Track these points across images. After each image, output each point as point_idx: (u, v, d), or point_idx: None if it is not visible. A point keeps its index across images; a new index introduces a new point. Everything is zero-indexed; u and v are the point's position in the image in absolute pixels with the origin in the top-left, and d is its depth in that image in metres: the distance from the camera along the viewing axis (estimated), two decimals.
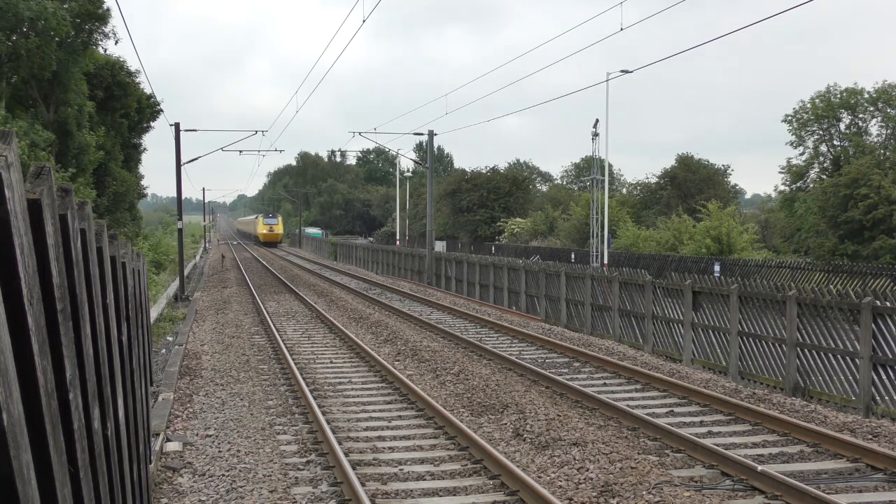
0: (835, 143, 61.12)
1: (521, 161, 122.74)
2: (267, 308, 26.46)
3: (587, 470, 9.19)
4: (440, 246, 65.06)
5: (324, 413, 11.73)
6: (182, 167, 34.25)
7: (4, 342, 1.86)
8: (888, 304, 12.85)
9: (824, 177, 58.82)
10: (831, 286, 22.25)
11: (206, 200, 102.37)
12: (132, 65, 47.80)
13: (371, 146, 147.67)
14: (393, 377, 14.46)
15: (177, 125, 34.61)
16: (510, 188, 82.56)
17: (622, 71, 34.50)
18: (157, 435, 10.30)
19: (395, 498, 8.43)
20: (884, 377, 12.55)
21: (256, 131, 39.43)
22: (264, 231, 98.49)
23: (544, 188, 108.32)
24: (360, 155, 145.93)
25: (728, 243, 45.00)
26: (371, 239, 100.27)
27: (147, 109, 45.76)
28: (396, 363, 16.36)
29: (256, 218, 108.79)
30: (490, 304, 28.99)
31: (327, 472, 9.27)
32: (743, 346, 15.68)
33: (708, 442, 10.04)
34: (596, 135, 43.08)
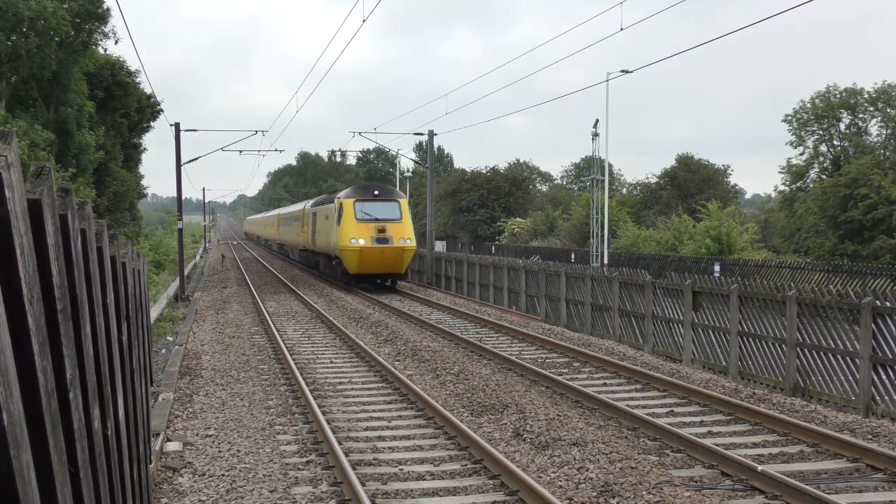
0: (835, 143, 61.13)
1: (521, 161, 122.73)
2: (267, 308, 26.46)
3: (587, 470, 9.19)
4: (440, 246, 65.04)
5: (324, 413, 11.74)
6: (182, 167, 34.26)
7: (4, 342, 1.86)
8: (888, 304, 12.85)
9: (824, 177, 58.83)
10: (831, 286, 22.25)
11: (206, 200, 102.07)
12: (132, 65, 47.85)
13: (371, 146, 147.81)
14: (393, 377, 14.46)
15: (177, 125, 34.62)
16: (510, 188, 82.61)
17: (622, 71, 34.53)
18: (158, 435, 10.31)
19: (395, 498, 8.43)
20: (884, 377, 12.55)
21: (256, 131, 39.45)
22: (366, 242, 32.44)
23: (544, 188, 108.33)
24: (360, 155, 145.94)
25: (728, 243, 45.01)
26: None
27: (147, 109, 45.82)
28: (396, 363, 16.36)
29: (334, 204, 35.27)
30: (490, 304, 28.98)
31: (327, 472, 9.27)
32: (743, 346, 15.68)
33: (708, 442, 10.04)
34: (596, 135, 43.10)
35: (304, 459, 9.79)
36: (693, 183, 65.96)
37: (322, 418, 11.11)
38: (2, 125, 22.54)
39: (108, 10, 32.02)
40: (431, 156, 41.75)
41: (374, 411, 12.24)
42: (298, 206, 52.15)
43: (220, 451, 10.17)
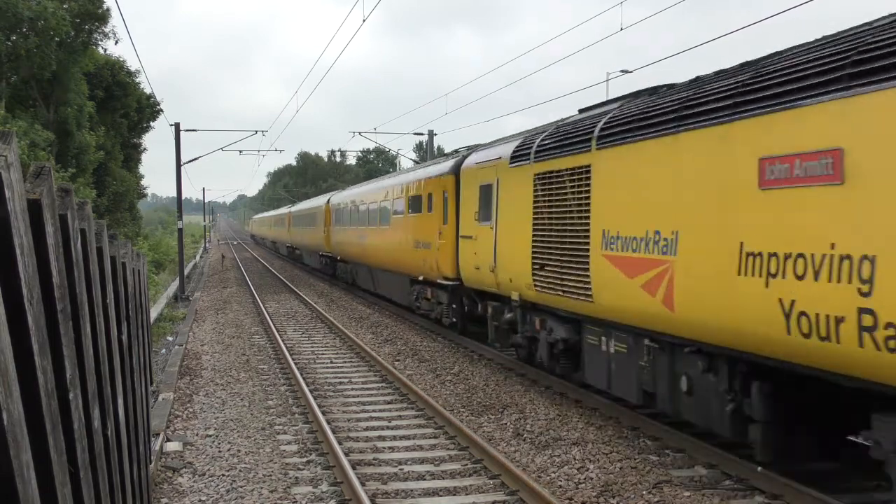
0: None
1: None
2: (267, 308, 26.45)
3: (587, 470, 9.19)
4: None
5: (324, 413, 11.73)
6: (182, 167, 34.25)
7: (4, 342, 1.86)
8: None
9: None
10: None
11: (206, 200, 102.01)
12: (132, 65, 47.86)
13: (371, 146, 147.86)
14: (393, 377, 14.46)
15: (177, 125, 34.60)
16: None
17: (622, 71, 34.45)
18: (158, 435, 10.30)
19: (395, 498, 8.43)
20: None
21: (256, 131, 39.43)
22: None
23: None
24: (360, 155, 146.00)
25: None
26: None
27: (147, 109, 45.79)
28: (396, 363, 16.36)
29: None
30: None
31: (327, 471, 9.27)
32: None
33: (708, 442, 10.02)
34: None
35: (305, 459, 9.79)
36: None
37: (322, 418, 11.11)
38: (2, 125, 22.54)
39: (107, 10, 32.02)
40: (431, 156, 41.76)
41: (374, 411, 12.24)
42: (428, 170, 21.15)
43: (220, 451, 10.17)
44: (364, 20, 23.25)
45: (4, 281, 2.02)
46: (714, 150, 8.15)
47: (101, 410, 3.70)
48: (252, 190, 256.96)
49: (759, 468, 8.66)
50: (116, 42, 45.46)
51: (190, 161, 36.39)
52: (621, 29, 18.94)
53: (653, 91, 10.79)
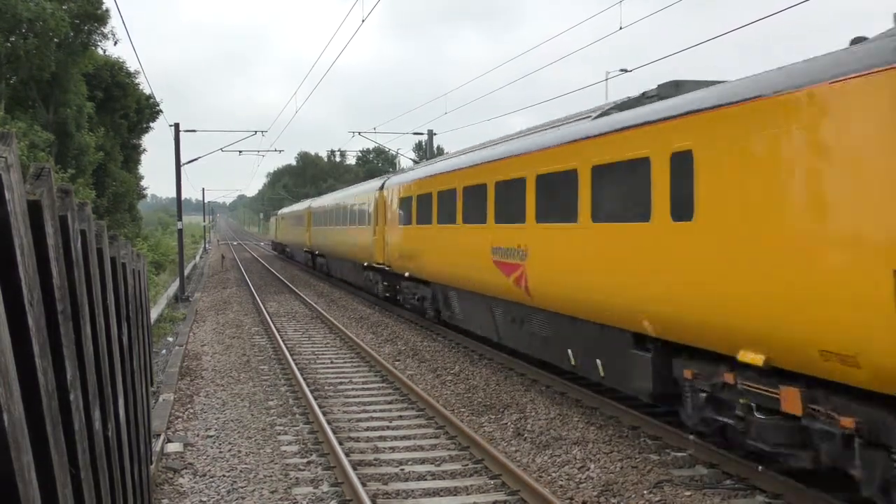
0: None
1: None
2: (267, 308, 26.45)
3: (588, 469, 9.19)
4: None
5: (324, 413, 11.73)
6: (182, 167, 34.23)
7: (5, 342, 1.86)
8: None
9: None
10: None
11: (206, 201, 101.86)
12: (131, 65, 47.85)
13: (371, 146, 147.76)
14: (393, 377, 14.46)
15: (176, 125, 34.57)
16: None
17: (621, 70, 34.43)
18: (158, 436, 10.30)
19: (395, 498, 8.42)
20: None
21: (256, 131, 39.32)
22: None
23: None
24: (359, 155, 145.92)
25: None
26: None
27: (146, 110, 45.79)
28: (397, 363, 16.36)
29: None
30: None
31: (328, 472, 9.27)
32: None
33: (709, 441, 10.02)
34: None
35: (305, 460, 9.79)
36: None
37: (323, 419, 11.11)
38: (1, 126, 22.53)
39: (107, 10, 32.02)
40: (431, 155, 41.75)
41: (374, 411, 12.24)
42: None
43: (220, 452, 10.16)
44: (363, 20, 23.23)
45: (5, 282, 2.01)
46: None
47: (101, 411, 3.70)
48: (252, 190, 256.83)
49: (760, 468, 8.67)
50: (116, 43, 45.31)
51: (189, 161, 36.38)
52: (620, 28, 18.92)
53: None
